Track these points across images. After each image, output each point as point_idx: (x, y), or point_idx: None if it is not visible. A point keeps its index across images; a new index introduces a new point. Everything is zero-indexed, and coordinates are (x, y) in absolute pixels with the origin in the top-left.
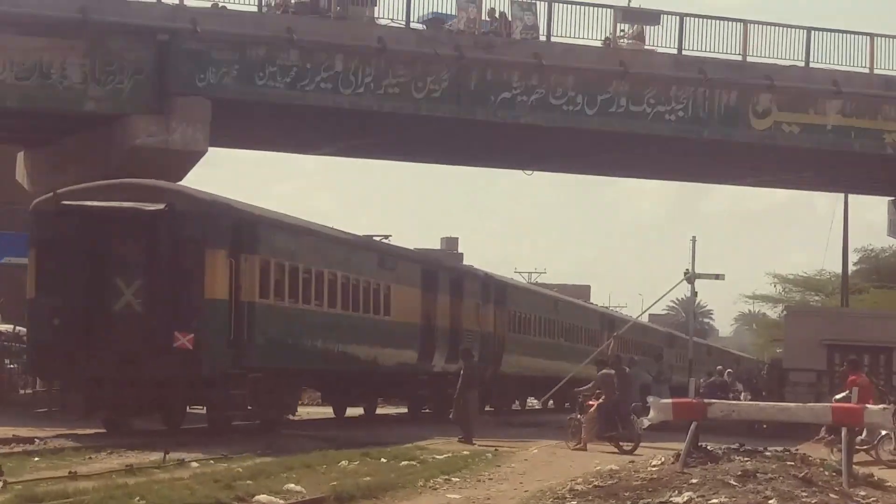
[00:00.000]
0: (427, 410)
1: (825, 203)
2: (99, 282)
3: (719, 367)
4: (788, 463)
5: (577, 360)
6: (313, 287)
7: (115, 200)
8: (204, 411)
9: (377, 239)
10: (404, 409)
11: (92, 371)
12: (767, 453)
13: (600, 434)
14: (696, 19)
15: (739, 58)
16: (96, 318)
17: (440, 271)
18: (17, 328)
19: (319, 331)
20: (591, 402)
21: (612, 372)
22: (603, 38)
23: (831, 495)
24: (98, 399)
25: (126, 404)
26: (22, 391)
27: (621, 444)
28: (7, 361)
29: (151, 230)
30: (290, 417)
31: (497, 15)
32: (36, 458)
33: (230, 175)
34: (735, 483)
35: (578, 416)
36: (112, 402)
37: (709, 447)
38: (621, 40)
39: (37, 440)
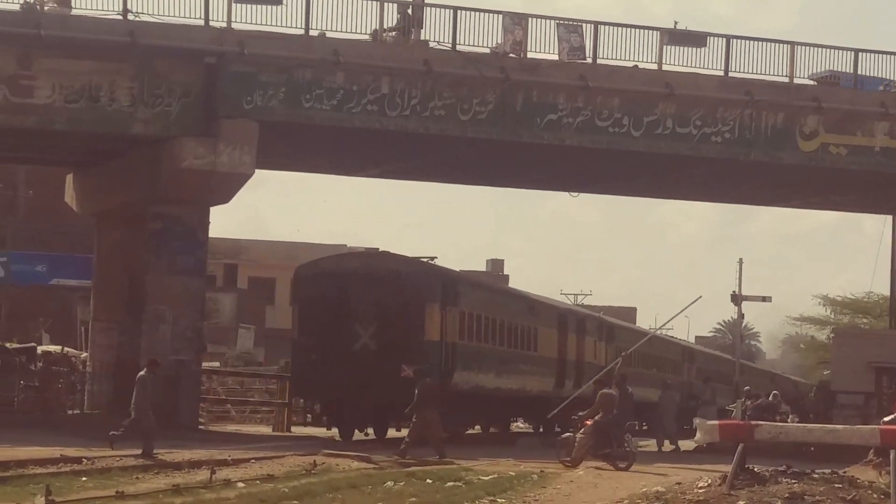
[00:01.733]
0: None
1: (873, 225)
2: (344, 327)
3: (747, 387)
4: (836, 485)
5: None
6: (490, 330)
7: (356, 266)
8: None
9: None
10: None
11: (337, 393)
12: (815, 475)
13: (595, 452)
14: (743, 41)
15: (786, 79)
16: (341, 354)
17: (570, 315)
18: (66, 349)
19: (493, 363)
20: (587, 422)
21: (611, 391)
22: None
23: None
24: (338, 414)
25: (359, 419)
26: (70, 411)
27: (617, 462)
28: (60, 382)
29: (384, 289)
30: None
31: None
32: (83, 478)
33: (273, 195)
34: None
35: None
36: (349, 417)
37: (756, 469)
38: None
39: (84, 459)
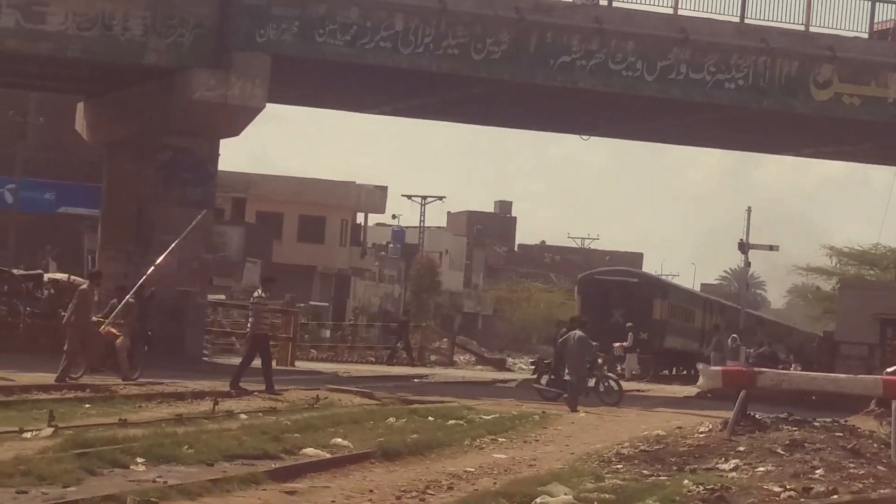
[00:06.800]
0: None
1: (882, 176)
2: (604, 311)
3: (734, 335)
4: (837, 434)
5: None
6: (678, 312)
7: (614, 276)
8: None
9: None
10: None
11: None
12: (816, 424)
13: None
14: None
15: (802, 27)
16: (603, 325)
17: (706, 301)
18: (72, 277)
19: (679, 331)
20: (110, 331)
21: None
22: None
23: (879, 467)
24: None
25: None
26: None
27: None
28: (60, 311)
29: (631, 290)
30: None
31: None
32: (87, 405)
33: (283, 130)
34: (782, 452)
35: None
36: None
37: (757, 416)
38: None
39: (88, 387)
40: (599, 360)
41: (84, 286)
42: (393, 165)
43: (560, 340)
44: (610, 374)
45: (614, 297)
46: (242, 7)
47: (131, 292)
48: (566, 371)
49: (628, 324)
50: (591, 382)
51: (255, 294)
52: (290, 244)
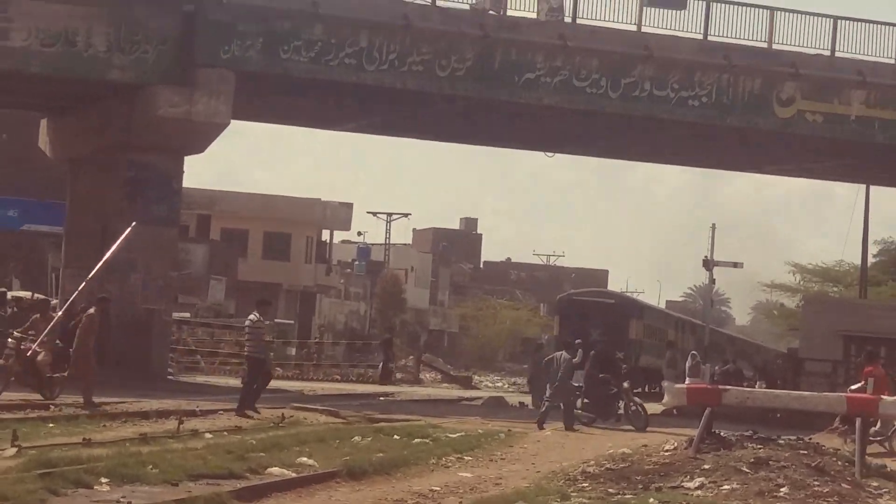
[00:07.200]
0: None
1: (846, 193)
2: (583, 331)
3: (693, 351)
4: (801, 452)
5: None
6: (652, 332)
7: (591, 297)
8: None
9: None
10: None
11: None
12: (781, 441)
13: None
14: (723, 5)
15: (765, 45)
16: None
17: (678, 320)
18: (36, 295)
19: (652, 350)
20: (36, 349)
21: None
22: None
23: (843, 485)
24: None
25: None
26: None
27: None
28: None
29: (608, 310)
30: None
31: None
32: (50, 425)
33: (246, 147)
34: (747, 470)
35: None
36: None
37: (722, 434)
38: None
39: (52, 406)
40: (625, 384)
41: (91, 311)
42: (358, 182)
43: (545, 361)
44: (636, 399)
45: (592, 317)
46: (207, 23)
47: (62, 309)
48: (547, 391)
49: (577, 340)
50: (621, 407)
51: (252, 317)
52: (256, 261)
